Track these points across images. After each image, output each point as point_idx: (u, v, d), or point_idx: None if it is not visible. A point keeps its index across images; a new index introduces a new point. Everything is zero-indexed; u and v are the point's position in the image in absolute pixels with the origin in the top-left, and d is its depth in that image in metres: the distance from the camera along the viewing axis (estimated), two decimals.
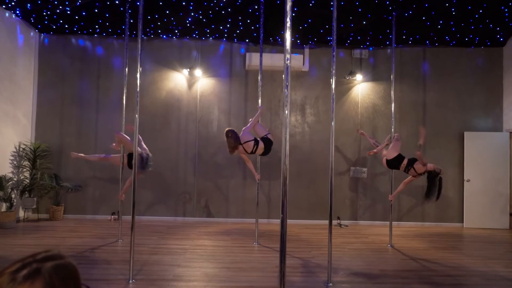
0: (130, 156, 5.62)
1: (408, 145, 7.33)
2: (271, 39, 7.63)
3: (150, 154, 5.59)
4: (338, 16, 4.70)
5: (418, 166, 5.68)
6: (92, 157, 6.08)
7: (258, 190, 6.17)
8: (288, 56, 2.60)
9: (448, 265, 5.01)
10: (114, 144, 5.98)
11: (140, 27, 4.32)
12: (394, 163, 5.87)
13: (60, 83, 7.73)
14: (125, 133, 5.79)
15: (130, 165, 5.56)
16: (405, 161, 5.78)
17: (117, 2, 6.49)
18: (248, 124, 5.77)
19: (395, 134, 6.06)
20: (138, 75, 4.34)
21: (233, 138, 5.47)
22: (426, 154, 7.78)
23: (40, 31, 7.67)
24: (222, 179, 7.78)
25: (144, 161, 5.37)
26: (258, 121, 5.94)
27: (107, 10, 6.78)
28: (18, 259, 0.91)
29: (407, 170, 5.77)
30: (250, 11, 6.71)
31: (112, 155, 6.07)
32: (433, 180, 5.61)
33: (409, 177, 5.85)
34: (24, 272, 0.88)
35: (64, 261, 0.95)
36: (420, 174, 5.72)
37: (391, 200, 6.09)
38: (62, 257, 0.96)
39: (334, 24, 4.43)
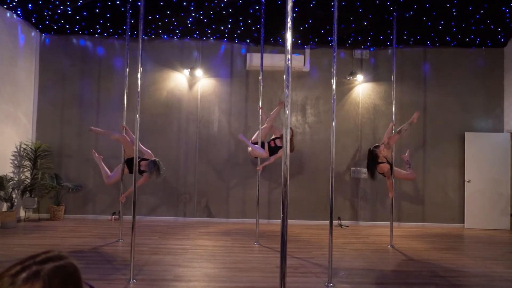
0: (129, 162, 5.53)
1: (408, 146, 7.34)
2: (272, 40, 7.64)
3: (157, 159, 5.44)
4: (339, 16, 4.69)
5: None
6: (101, 166, 5.58)
7: (258, 190, 6.17)
8: (289, 56, 2.60)
9: (448, 265, 5.01)
10: (96, 155, 5.60)
11: (141, 27, 4.33)
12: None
13: (61, 83, 7.73)
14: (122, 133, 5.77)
15: (131, 171, 5.31)
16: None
17: (118, 2, 6.50)
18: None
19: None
20: (139, 75, 4.34)
21: None
22: (427, 154, 7.82)
23: (41, 31, 7.68)
24: (222, 179, 7.78)
25: (155, 166, 5.27)
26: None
27: (108, 10, 6.79)
28: (18, 260, 0.91)
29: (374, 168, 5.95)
30: (251, 11, 6.71)
31: (114, 175, 5.64)
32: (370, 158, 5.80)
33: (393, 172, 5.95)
34: (24, 275, 0.87)
35: (64, 263, 0.95)
36: (385, 161, 5.77)
37: (391, 197, 6.04)
38: (62, 258, 0.95)
39: (335, 24, 4.43)
